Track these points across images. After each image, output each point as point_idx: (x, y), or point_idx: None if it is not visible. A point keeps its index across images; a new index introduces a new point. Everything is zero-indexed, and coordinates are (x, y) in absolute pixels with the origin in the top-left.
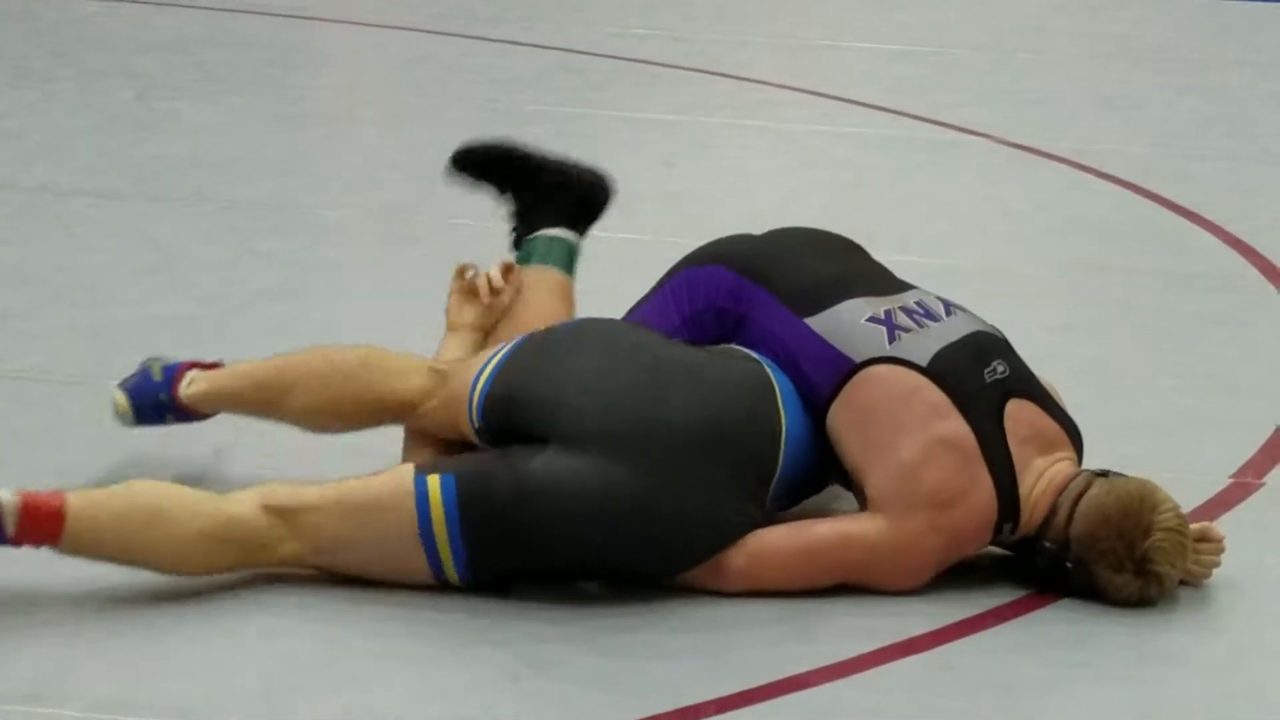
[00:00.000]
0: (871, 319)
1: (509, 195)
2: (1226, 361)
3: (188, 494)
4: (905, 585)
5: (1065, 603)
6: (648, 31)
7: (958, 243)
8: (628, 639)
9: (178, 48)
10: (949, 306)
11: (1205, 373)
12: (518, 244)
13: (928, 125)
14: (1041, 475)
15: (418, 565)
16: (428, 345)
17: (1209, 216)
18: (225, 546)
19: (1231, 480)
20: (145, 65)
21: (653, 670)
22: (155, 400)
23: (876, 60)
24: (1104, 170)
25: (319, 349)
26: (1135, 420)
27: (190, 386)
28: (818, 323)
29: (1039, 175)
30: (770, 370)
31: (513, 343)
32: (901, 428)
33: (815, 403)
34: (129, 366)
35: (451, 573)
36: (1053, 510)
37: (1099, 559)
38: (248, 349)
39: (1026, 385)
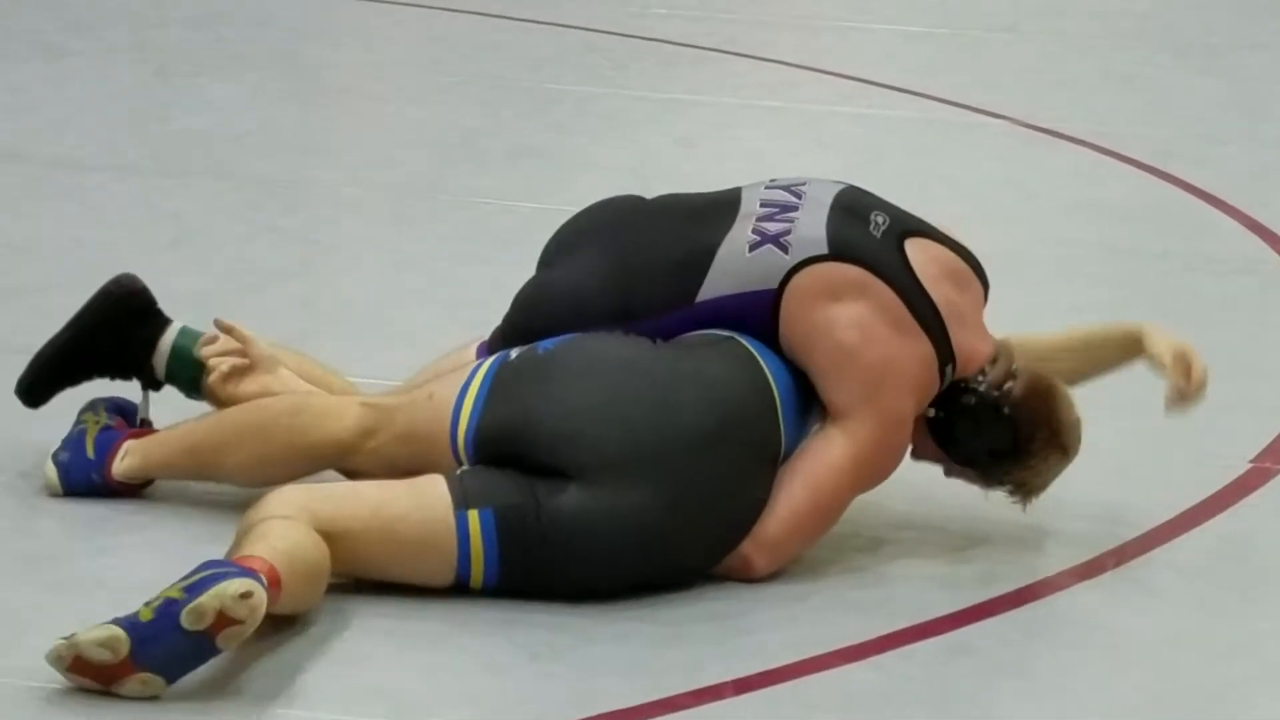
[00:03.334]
0: (752, 248)
1: (115, 377)
2: (1245, 346)
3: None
4: (897, 464)
5: (1082, 585)
6: (669, 11)
7: (975, 224)
8: (645, 622)
9: (197, 23)
10: (790, 188)
11: (1224, 357)
12: (158, 384)
13: (946, 106)
14: (964, 318)
15: (444, 580)
16: (443, 323)
17: (1228, 200)
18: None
19: (1251, 465)
20: (164, 40)
21: (670, 652)
22: (88, 480)
23: (896, 41)
24: (1123, 153)
25: (250, 403)
26: (1153, 403)
27: (123, 461)
28: (710, 288)
29: (1057, 157)
30: (745, 341)
31: (485, 371)
32: (836, 322)
33: (773, 341)
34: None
35: (477, 585)
36: (992, 361)
37: (1032, 415)
38: (264, 324)
39: (910, 223)
